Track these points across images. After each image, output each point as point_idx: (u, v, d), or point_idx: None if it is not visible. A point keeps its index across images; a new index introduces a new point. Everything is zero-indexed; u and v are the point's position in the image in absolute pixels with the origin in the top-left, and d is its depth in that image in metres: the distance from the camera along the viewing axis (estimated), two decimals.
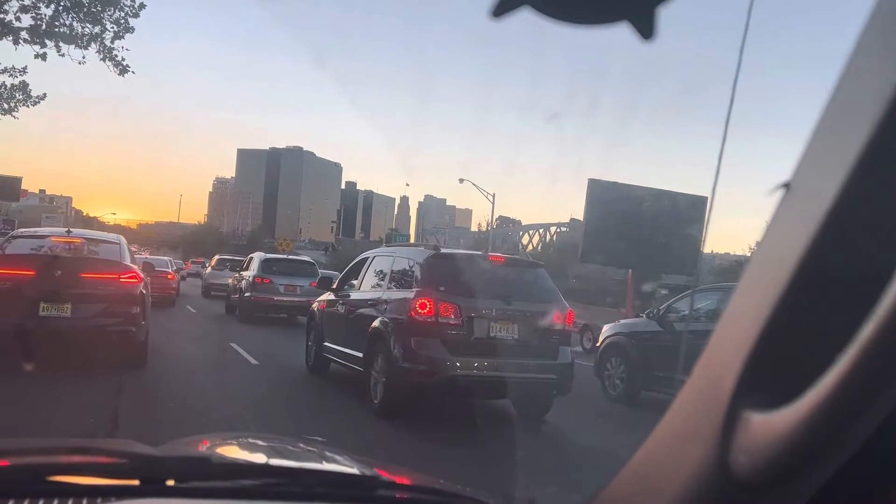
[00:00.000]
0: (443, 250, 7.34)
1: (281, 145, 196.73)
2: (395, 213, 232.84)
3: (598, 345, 10.07)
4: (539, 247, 70.01)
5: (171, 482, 1.08)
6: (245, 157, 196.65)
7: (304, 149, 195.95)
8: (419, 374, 6.40)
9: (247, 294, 15.95)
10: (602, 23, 0.65)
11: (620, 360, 9.39)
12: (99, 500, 0.99)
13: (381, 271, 7.77)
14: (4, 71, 18.75)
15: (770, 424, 0.60)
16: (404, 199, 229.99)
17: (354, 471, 1.42)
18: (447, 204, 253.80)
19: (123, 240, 8.88)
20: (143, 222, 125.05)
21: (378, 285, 7.66)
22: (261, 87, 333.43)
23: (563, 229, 70.47)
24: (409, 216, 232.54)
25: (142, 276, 8.24)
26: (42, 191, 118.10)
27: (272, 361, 10.11)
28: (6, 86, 18.38)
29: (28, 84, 18.65)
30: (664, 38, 0.63)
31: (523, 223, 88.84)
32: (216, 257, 27.73)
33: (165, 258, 22.94)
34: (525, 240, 72.36)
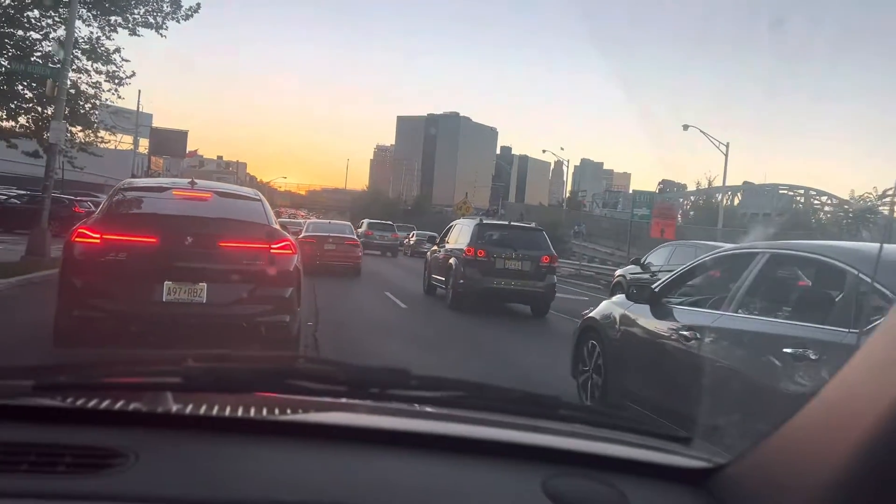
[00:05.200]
0: (484, 220, 13.81)
1: (438, 111, 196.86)
2: (550, 177, 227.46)
3: (612, 283, 15.52)
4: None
5: (374, 389, 1.21)
6: (404, 124, 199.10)
7: (461, 114, 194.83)
8: (466, 286, 12.33)
9: (362, 240, 24.45)
10: None
11: (621, 293, 13.23)
12: (318, 399, 1.19)
13: (456, 232, 13.87)
14: None
15: None
16: (558, 164, 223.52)
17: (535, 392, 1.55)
18: (604, 168, 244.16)
19: (263, 197, 6.78)
20: (311, 188, 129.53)
21: (454, 240, 13.61)
22: (420, 52, 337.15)
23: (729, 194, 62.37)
24: (563, 181, 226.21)
25: (296, 244, 6.13)
26: (220, 157, 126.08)
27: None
28: None
29: None
30: None
31: (688, 188, 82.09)
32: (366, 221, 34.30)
33: (346, 223, 22.68)
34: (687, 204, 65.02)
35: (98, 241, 5.45)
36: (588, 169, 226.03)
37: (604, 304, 6.13)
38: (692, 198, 67.49)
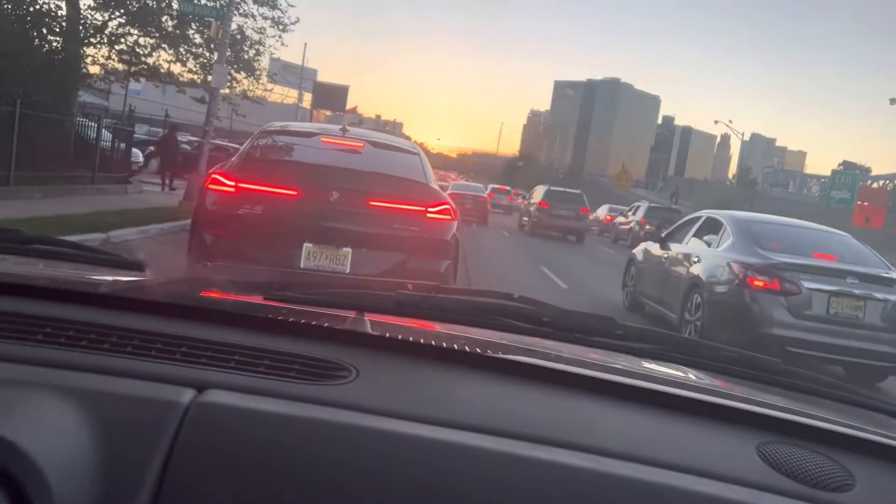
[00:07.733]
0: (550, 188, 24.74)
1: (598, 77, 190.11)
2: (714, 151, 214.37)
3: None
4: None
5: (578, 334, 1.24)
6: (561, 88, 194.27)
7: (622, 80, 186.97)
8: (537, 222, 23.62)
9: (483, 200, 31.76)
10: None
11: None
12: (526, 338, 1.24)
13: (535, 194, 25.30)
14: None
15: None
16: (724, 138, 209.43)
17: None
18: (776, 145, 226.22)
19: (421, 151, 5.96)
20: (463, 152, 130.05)
21: (534, 198, 24.89)
22: (581, 14, 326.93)
23: None
24: (729, 156, 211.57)
25: (456, 209, 5.25)
26: (378, 116, 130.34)
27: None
28: None
29: None
30: None
31: (873, 172, 72.71)
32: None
33: (480, 185, 32.65)
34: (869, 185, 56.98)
35: (232, 189, 4.77)
36: (758, 144, 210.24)
37: (640, 245, 10.19)
38: (882, 182, 59.95)
